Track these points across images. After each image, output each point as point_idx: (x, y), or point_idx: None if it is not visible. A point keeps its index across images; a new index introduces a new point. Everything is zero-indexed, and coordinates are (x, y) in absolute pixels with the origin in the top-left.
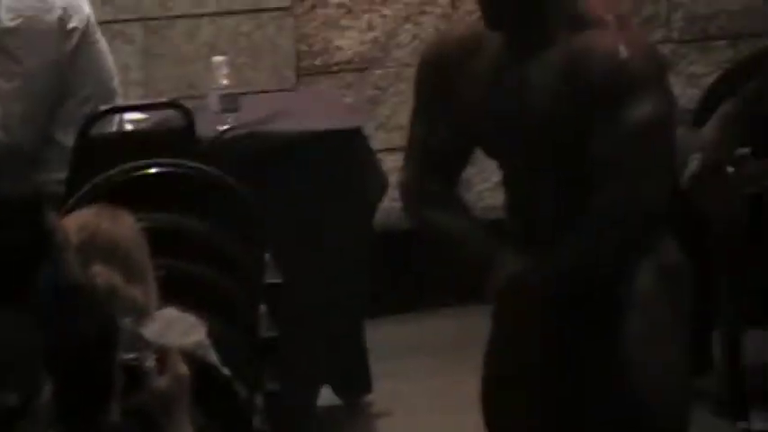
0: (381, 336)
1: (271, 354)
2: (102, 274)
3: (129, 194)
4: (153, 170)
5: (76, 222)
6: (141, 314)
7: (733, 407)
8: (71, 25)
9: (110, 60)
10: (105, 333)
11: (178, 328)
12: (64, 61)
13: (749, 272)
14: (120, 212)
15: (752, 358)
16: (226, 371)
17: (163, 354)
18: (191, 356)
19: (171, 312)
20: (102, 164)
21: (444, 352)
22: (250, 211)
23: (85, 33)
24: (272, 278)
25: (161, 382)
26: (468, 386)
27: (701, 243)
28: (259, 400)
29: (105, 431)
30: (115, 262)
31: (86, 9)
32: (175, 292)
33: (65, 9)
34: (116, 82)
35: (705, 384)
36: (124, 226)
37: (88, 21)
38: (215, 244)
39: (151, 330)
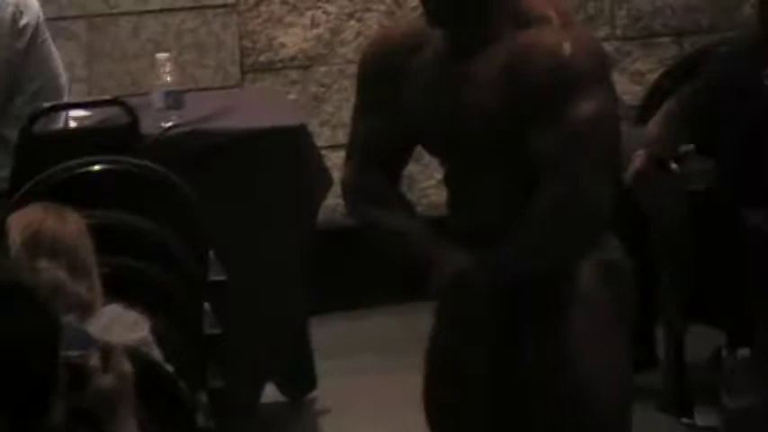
0: (326, 333)
1: (215, 351)
2: (47, 269)
3: (72, 191)
4: (96, 167)
5: (22, 219)
6: (86, 310)
7: (677, 402)
8: (23, 22)
9: (58, 57)
10: (47, 332)
11: (122, 325)
12: (15, 59)
13: (691, 268)
14: (65, 210)
15: (695, 354)
16: (169, 368)
17: (107, 351)
18: (134, 353)
19: (115, 309)
20: (46, 161)
21: (388, 349)
22: (193, 208)
23: (36, 30)
24: (216, 275)
25: (105, 380)
26: (411, 383)
27: (644, 240)
28: (203, 398)
29: (49, 430)
30: (60, 258)
31: (36, 5)
32: (119, 288)
33: (16, 5)
34: (64, 79)
35: (649, 380)
36: (69, 223)
37: (38, 18)
38: (159, 241)
39: (95, 327)
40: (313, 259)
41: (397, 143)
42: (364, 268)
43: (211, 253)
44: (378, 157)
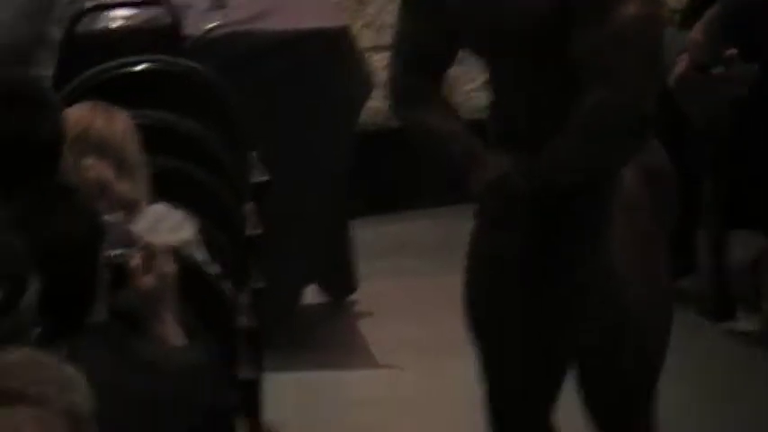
0: (367, 235)
1: (256, 252)
2: (94, 167)
3: (114, 91)
4: (138, 67)
5: (70, 117)
6: (132, 210)
7: (718, 307)
8: None
9: None
10: (92, 232)
11: (167, 225)
12: None
13: (733, 173)
14: (113, 109)
15: (736, 259)
16: (212, 269)
17: (149, 251)
18: (178, 254)
19: (160, 208)
20: (89, 61)
21: (429, 251)
22: (234, 109)
23: None
24: (259, 177)
25: (146, 281)
26: (451, 285)
27: (686, 144)
28: (244, 298)
29: (91, 330)
30: (107, 157)
31: None
32: (163, 188)
33: None
34: None
35: (690, 286)
36: (117, 122)
37: None
38: (201, 142)
39: (140, 226)
40: (355, 161)
41: (442, 45)
42: (406, 170)
43: (254, 154)
44: (422, 59)
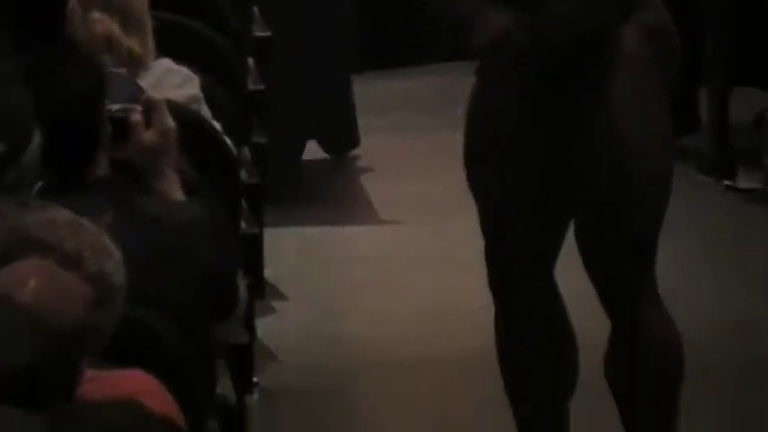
0: (369, 91)
1: (258, 107)
2: (101, 21)
3: None
4: None
5: None
6: (139, 65)
7: (720, 165)
8: None
9: None
10: (95, 86)
11: (173, 81)
12: None
13: (738, 30)
14: None
15: (738, 116)
16: (216, 125)
17: (150, 107)
18: (183, 110)
19: (165, 63)
20: None
21: (431, 107)
22: None
23: None
24: (261, 31)
25: (148, 136)
26: (453, 140)
27: (691, 2)
28: (246, 153)
29: (91, 183)
30: (114, 11)
31: None
32: (166, 43)
33: None
34: None
35: (692, 143)
36: None
37: None
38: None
39: (147, 82)
40: (357, 17)
41: None
42: (408, 27)
43: (255, 9)
44: None
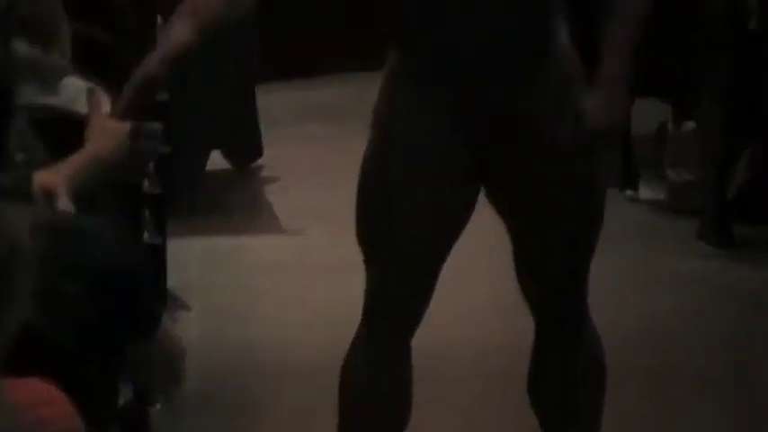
0: (272, 101)
1: (160, 116)
2: (22, 46)
3: None
4: None
5: None
6: (57, 80)
7: (622, 176)
8: None
9: None
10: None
11: (84, 98)
12: None
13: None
14: None
15: (640, 127)
16: None
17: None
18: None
19: (77, 81)
20: None
21: (335, 118)
22: None
23: None
24: None
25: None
26: (357, 151)
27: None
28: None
29: None
30: (35, 29)
31: None
32: (79, 56)
33: None
34: None
35: None
36: None
37: None
38: (108, 4)
39: (63, 99)
40: (261, 26)
41: None
42: (311, 36)
43: (159, 18)
44: None
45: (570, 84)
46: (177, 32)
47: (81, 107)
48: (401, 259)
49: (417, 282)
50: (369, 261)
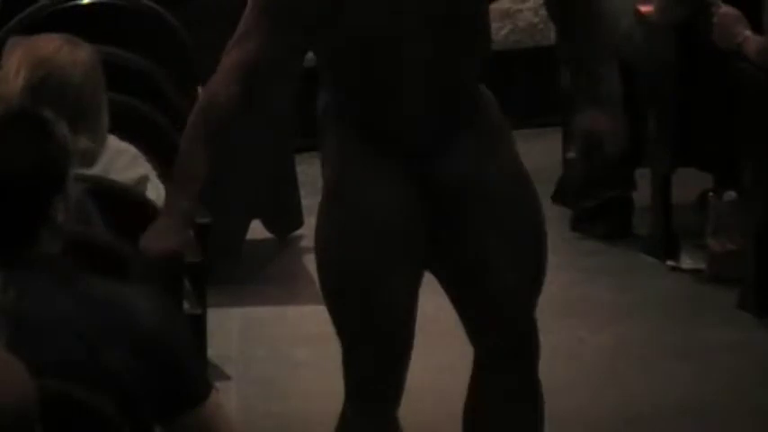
0: (313, 170)
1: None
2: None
3: (62, 25)
4: (85, 0)
5: (35, 54)
6: (89, 161)
7: (663, 245)
8: None
9: None
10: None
11: (120, 164)
12: None
13: (678, 110)
14: (80, 47)
15: (681, 197)
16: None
17: None
18: (129, 192)
19: (113, 143)
20: None
21: None
22: (182, 42)
23: None
24: None
25: None
26: None
27: (630, 82)
28: (190, 233)
29: (35, 261)
30: (67, 107)
31: None
32: (111, 121)
33: None
34: None
35: (635, 223)
36: (81, 63)
37: None
38: (149, 77)
39: (95, 169)
40: (301, 95)
41: None
42: None
43: (200, 89)
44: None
45: (501, 130)
46: (193, 167)
47: (117, 172)
48: (385, 345)
49: (400, 358)
50: (349, 350)
